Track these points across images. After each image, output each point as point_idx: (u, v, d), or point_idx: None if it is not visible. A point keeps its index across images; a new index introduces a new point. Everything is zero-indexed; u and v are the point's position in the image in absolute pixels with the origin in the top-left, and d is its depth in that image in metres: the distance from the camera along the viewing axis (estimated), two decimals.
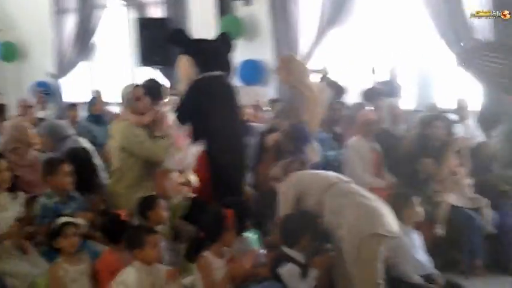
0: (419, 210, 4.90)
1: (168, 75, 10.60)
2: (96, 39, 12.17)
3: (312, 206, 4.39)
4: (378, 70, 9.00)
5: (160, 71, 10.59)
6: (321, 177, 4.57)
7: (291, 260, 4.16)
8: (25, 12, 12.72)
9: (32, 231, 4.77)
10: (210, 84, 5.75)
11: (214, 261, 4.14)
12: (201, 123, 5.57)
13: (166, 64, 10.49)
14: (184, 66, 5.89)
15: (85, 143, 6.13)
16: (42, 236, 4.63)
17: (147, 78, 5.48)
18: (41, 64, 12.53)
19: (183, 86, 5.91)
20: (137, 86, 5.49)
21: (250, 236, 4.67)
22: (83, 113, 8.82)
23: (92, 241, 4.73)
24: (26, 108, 8.61)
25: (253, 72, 10.05)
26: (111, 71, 12.25)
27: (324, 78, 8.11)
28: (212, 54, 5.83)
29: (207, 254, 4.16)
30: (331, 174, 4.65)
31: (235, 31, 9.93)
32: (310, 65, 8.98)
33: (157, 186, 5.06)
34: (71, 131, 6.23)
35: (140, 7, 11.25)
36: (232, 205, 4.36)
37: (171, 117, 5.50)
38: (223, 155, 5.46)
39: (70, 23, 12.24)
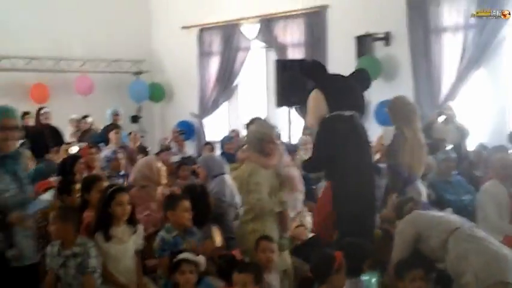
0: None
1: (304, 114, 10.61)
2: (238, 80, 12.50)
3: (432, 249, 4.17)
4: None
5: (296, 110, 10.63)
6: (444, 220, 4.34)
7: None
8: (172, 55, 13.33)
9: (152, 265, 4.87)
10: (340, 124, 5.59)
11: None
12: (330, 164, 5.48)
13: (303, 104, 10.50)
14: (315, 101, 5.78)
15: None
16: (161, 269, 4.72)
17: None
18: (185, 104, 13.01)
19: (311, 121, 5.86)
20: (273, 128, 5.46)
21: (368, 278, 4.48)
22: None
23: (211, 277, 4.76)
24: (164, 147, 8.92)
25: None
26: (250, 111, 12.47)
27: (448, 120, 7.77)
28: (345, 92, 5.69)
29: None
30: (454, 217, 4.41)
31: (374, 71, 9.77)
32: (447, 106, 8.72)
33: None
34: (227, 169, 6.28)
35: (280, 49, 11.42)
36: (345, 247, 4.21)
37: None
38: (351, 195, 5.29)
39: (214, 65, 12.68)
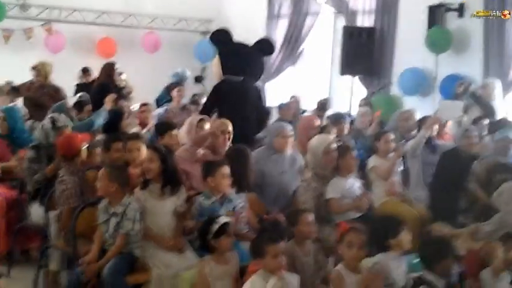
0: None
1: (367, 84, 10.40)
2: (304, 45, 12.27)
3: None
4: None
5: (360, 80, 10.38)
6: None
7: (429, 284, 3.86)
8: (241, 17, 13.19)
9: (191, 227, 4.86)
10: (227, 88, 6.57)
11: (348, 276, 3.90)
12: None
13: (366, 74, 10.29)
14: (216, 66, 6.90)
15: None
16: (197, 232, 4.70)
17: None
18: None
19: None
20: None
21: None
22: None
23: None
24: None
25: None
26: (313, 77, 12.28)
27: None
28: (240, 59, 6.46)
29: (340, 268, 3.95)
30: None
31: (444, 43, 9.47)
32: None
33: None
34: None
35: (350, 15, 11.09)
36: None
37: None
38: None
39: (282, 28, 12.48)
